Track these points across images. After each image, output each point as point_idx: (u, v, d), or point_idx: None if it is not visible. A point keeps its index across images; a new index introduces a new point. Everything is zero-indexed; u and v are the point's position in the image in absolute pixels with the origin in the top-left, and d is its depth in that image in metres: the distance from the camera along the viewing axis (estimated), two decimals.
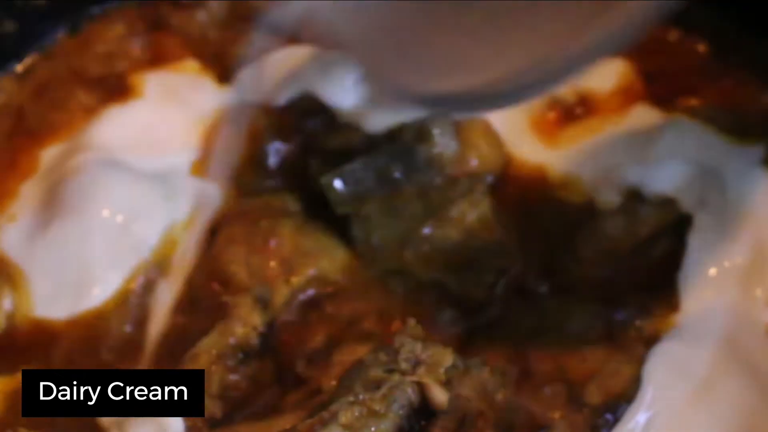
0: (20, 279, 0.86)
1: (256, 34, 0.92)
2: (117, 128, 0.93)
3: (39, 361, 0.84)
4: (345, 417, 0.71)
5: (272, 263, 0.84)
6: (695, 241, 0.83)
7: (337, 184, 0.85)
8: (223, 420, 0.78)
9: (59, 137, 0.94)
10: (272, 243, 0.85)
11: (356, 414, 0.71)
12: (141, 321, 0.85)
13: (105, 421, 0.79)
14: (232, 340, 0.80)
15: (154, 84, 0.97)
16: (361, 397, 0.72)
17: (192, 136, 0.93)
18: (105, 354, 0.84)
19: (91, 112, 0.95)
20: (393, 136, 0.86)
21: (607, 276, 0.85)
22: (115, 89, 0.97)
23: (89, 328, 0.85)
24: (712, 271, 0.82)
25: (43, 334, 0.85)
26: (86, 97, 0.97)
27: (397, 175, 0.85)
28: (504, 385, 0.75)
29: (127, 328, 0.85)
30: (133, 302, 0.85)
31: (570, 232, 0.86)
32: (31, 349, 0.85)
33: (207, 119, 0.94)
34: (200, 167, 0.91)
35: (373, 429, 0.71)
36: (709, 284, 0.82)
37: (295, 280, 0.84)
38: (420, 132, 0.85)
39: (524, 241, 0.86)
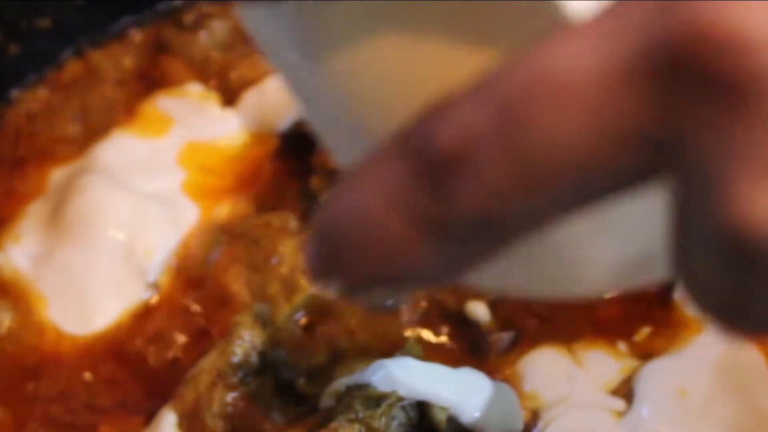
0: (34, 299, 0.87)
1: None
2: (122, 150, 0.93)
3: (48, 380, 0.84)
4: None
5: (273, 282, 0.84)
6: None
7: None
8: None
9: (66, 159, 0.95)
10: (273, 261, 0.85)
11: (356, 431, 0.72)
12: (142, 344, 0.85)
13: None
14: (232, 359, 0.80)
15: (157, 107, 0.97)
16: (360, 414, 0.72)
17: (195, 160, 0.93)
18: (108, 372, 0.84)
19: (95, 135, 0.95)
20: None
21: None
22: (119, 111, 0.97)
23: (90, 350, 0.85)
24: None
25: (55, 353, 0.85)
26: (91, 120, 0.97)
27: None
28: None
29: (128, 351, 0.85)
30: (134, 325, 0.85)
31: None
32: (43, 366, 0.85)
33: (211, 143, 0.94)
34: (201, 190, 0.92)
35: None
36: None
37: (296, 298, 0.84)
38: None
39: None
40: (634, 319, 0.83)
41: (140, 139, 0.94)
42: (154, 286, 0.87)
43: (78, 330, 0.85)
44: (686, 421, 0.76)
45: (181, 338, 0.85)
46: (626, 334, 0.82)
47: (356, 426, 0.72)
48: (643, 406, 0.77)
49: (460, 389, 0.74)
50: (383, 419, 0.72)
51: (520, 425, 0.76)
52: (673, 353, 0.80)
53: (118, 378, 0.84)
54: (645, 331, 0.82)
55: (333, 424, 0.72)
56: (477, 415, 0.73)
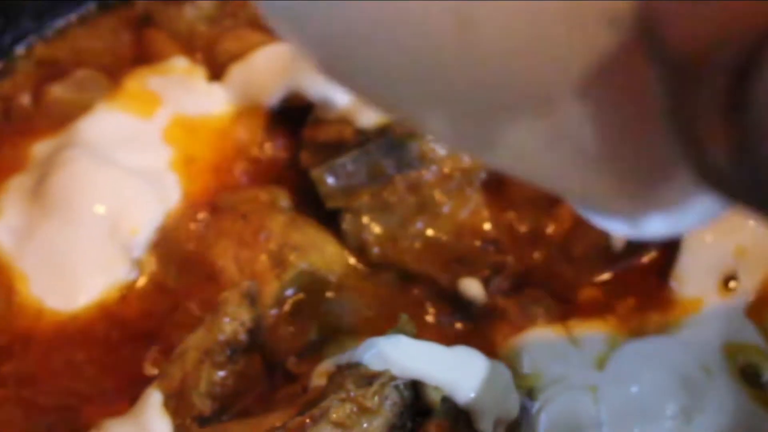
0: (16, 276, 0.85)
1: None
2: (106, 125, 0.91)
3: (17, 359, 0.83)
4: (336, 414, 0.70)
5: (262, 258, 0.83)
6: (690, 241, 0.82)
7: (328, 178, 0.84)
8: (212, 417, 0.77)
9: (49, 132, 0.93)
10: (262, 237, 0.84)
11: (347, 411, 0.70)
12: (127, 322, 0.84)
13: None
14: (220, 337, 0.78)
15: (142, 81, 0.96)
16: (352, 393, 0.71)
17: (182, 135, 0.92)
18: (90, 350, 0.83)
19: (79, 108, 0.93)
20: (385, 130, 0.85)
21: (599, 275, 0.84)
22: (104, 86, 0.96)
23: (72, 331, 0.83)
24: (704, 272, 0.82)
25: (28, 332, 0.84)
26: (74, 94, 0.96)
27: (388, 169, 0.84)
28: None
29: (113, 330, 0.83)
30: (120, 303, 0.84)
31: (564, 230, 0.85)
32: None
33: (197, 118, 0.93)
34: (187, 165, 0.91)
35: (365, 425, 0.70)
36: (700, 284, 0.81)
37: (285, 274, 0.83)
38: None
39: (517, 239, 0.85)
40: (618, 295, 0.82)
41: (125, 114, 0.93)
42: (139, 262, 0.85)
43: (61, 306, 0.84)
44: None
45: (166, 315, 0.84)
46: (614, 309, 0.81)
47: (348, 405, 0.70)
48: (633, 385, 0.77)
49: (454, 368, 0.72)
50: (376, 398, 0.70)
51: (516, 410, 0.74)
52: (664, 334, 0.80)
53: (99, 360, 0.83)
54: (630, 302, 0.81)
55: (324, 404, 0.70)
56: (472, 395, 0.72)
